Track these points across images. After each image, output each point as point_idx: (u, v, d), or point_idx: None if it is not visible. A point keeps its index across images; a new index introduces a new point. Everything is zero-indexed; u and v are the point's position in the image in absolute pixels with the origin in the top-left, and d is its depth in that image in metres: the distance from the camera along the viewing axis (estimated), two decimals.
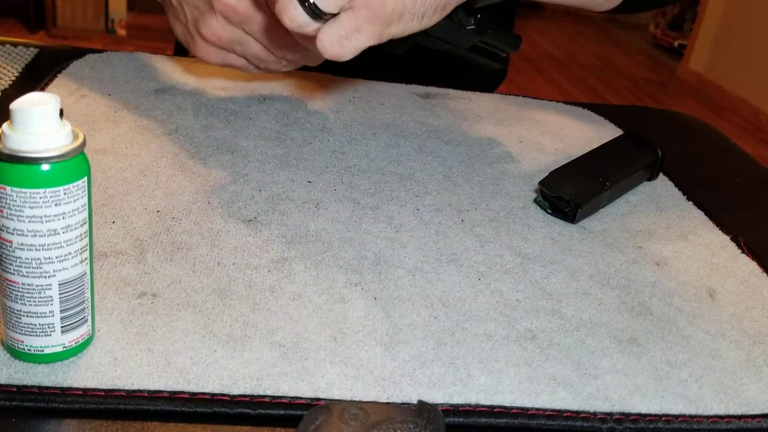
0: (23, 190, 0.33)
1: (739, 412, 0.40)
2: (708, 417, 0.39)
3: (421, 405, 0.34)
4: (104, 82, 0.69)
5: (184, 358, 0.38)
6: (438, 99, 0.76)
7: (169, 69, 0.73)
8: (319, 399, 0.37)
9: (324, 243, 0.49)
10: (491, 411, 0.38)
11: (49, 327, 0.36)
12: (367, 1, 0.45)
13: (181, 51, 0.91)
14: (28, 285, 0.34)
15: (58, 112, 0.33)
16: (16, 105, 0.32)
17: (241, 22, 0.57)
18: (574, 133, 0.73)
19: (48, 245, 0.34)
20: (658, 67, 4.28)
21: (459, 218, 0.55)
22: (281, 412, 0.36)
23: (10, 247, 0.34)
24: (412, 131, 0.68)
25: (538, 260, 0.51)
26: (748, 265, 0.54)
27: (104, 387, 0.36)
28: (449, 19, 0.55)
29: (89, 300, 0.37)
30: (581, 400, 0.39)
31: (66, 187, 0.33)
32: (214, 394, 0.36)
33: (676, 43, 4.46)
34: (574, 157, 0.62)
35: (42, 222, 0.33)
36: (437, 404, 0.37)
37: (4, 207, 0.33)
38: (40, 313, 0.35)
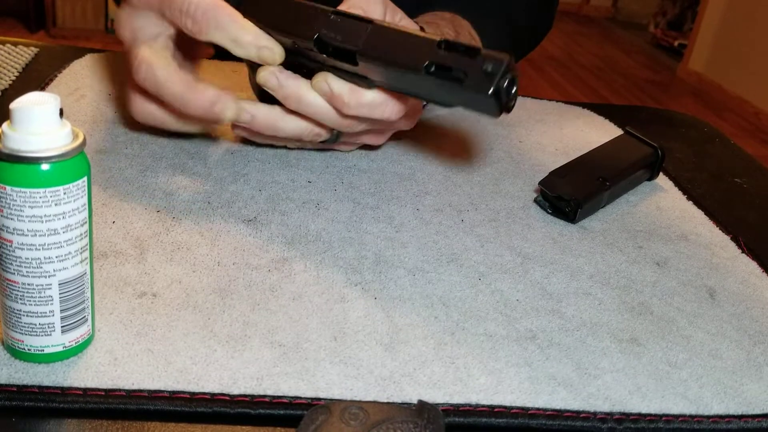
0: (23, 189, 0.33)
1: (739, 411, 0.40)
2: (708, 417, 0.39)
3: (421, 405, 0.34)
4: (104, 82, 0.69)
5: (184, 358, 0.38)
6: None
7: None
8: (319, 399, 0.37)
9: (324, 243, 0.49)
10: (491, 411, 0.37)
11: (49, 327, 0.36)
12: None
13: None
14: (28, 285, 0.34)
15: (58, 111, 0.33)
16: (16, 105, 0.32)
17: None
18: (574, 133, 0.73)
19: (48, 245, 0.34)
20: (658, 67, 4.28)
21: (459, 218, 0.55)
22: (281, 412, 0.36)
23: (10, 246, 0.34)
24: (412, 131, 0.68)
25: (538, 260, 0.51)
26: (748, 265, 0.54)
27: (104, 387, 0.36)
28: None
29: (89, 300, 0.37)
30: (581, 400, 0.39)
31: (66, 186, 0.33)
32: (214, 394, 0.36)
33: (676, 43, 4.46)
34: (574, 157, 0.62)
35: (42, 222, 0.33)
36: (437, 404, 0.37)
37: (4, 207, 0.33)
38: (40, 312, 0.35)
